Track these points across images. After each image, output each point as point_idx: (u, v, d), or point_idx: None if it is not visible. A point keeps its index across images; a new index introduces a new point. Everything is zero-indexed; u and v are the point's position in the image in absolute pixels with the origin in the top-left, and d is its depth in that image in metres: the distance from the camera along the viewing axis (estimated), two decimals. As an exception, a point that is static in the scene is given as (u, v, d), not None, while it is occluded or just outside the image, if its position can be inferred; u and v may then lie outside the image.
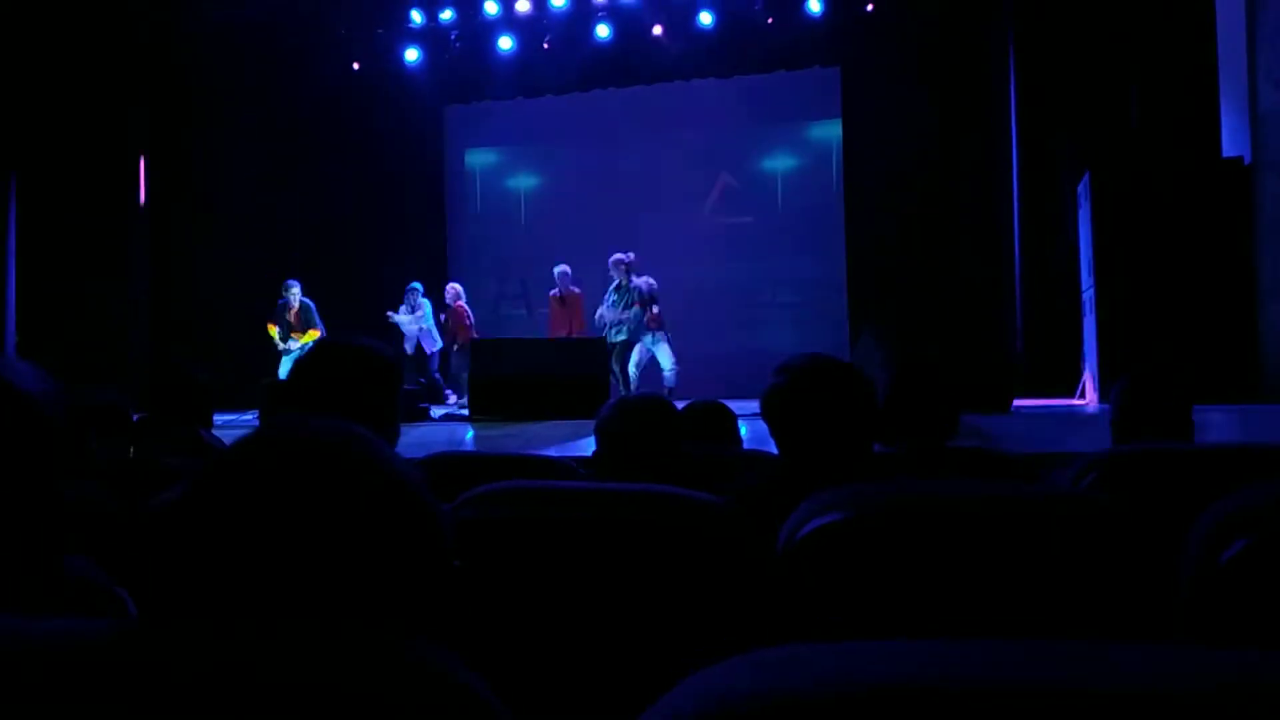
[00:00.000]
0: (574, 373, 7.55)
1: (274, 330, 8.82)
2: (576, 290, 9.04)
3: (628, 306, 8.35)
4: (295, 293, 8.82)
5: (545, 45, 10.87)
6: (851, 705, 0.45)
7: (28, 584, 0.92)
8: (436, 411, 8.44)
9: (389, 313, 9.23)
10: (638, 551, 1.34)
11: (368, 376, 1.56)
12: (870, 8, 10.19)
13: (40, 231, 9.40)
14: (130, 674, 0.57)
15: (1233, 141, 7.22)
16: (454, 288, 9.40)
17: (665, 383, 8.57)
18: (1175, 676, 0.46)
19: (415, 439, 6.06)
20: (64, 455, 0.97)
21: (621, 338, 8.39)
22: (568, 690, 1.32)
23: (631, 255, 8.50)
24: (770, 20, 10.46)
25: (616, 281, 8.43)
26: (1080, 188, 7.54)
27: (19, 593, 0.91)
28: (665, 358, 8.54)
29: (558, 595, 1.35)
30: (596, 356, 7.78)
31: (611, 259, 8.46)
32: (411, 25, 11.07)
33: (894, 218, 10.13)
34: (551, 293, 8.98)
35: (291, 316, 8.80)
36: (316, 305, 8.95)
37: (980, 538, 1.19)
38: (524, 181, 12.08)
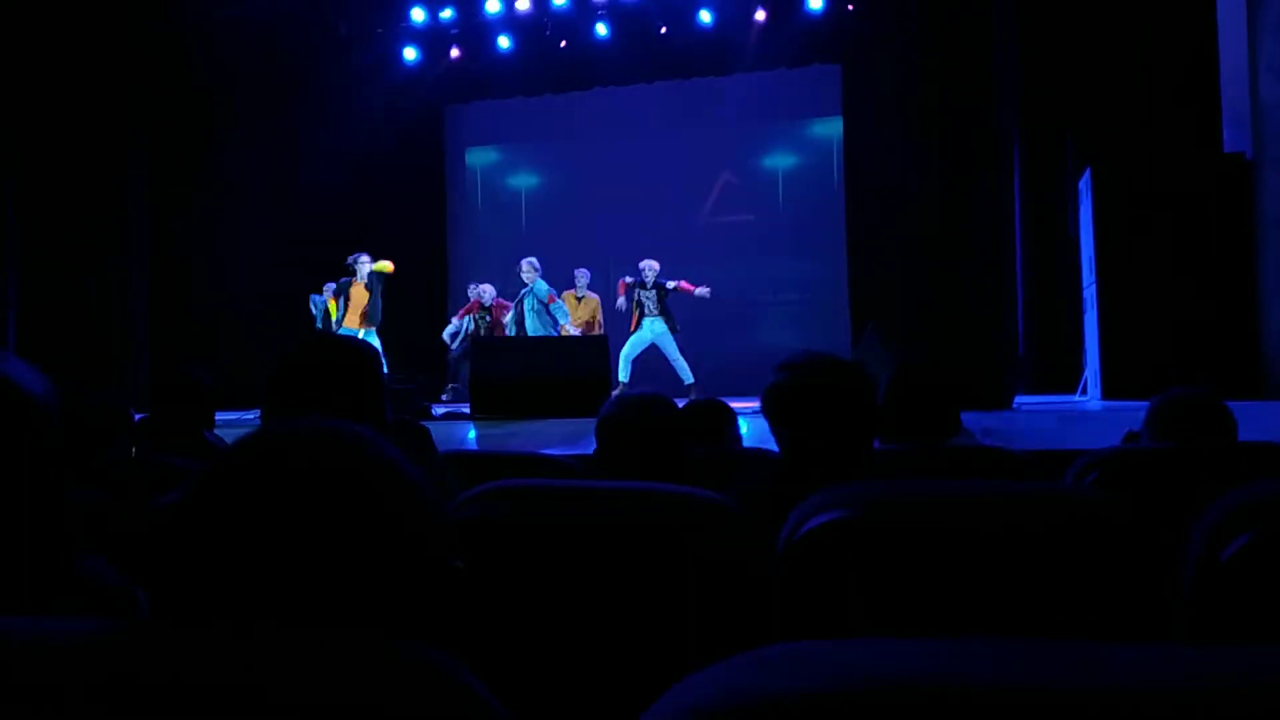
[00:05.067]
0: (576, 371, 7.55)
1: (333, 306, 8.47)
2: (594, 295, 9.36)
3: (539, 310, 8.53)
4: (365, 266, 8.39)
5: (556, 45, 10.87)
6: (850, 703, 0.45)
7: (41, 583, 0.93)
8: (438, 410, 8.45)
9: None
10: (638, 550, 1.34)
11: (357, 371, 1.57)
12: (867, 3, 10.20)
13: (41, 232, 9.41)
14: (128, 676, 0.58)
15: (1234, 137, 7.20)
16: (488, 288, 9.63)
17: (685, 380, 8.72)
18: (1177, 676, 0.46)
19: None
20: (66, 454, 0.97)
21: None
22: (568, 690, 1.32)
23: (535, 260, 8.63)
24: (770, 18, 10.45)
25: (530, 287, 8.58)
26: (1082, 183, 7.53)
27: (32, 592, 0.91)
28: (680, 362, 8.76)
29: (558, 594, 1.35)
30: (599, 355, 7.77)
31: (523, 261, 8.61)
32: (412, 24, 11.07)
33: (895, 215, 10.13)
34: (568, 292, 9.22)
35: (354, 292, 8.40)
36: (323, 302, 8.92)
37: (982, 536, 1.19)
38: (524, 180, 12.08)
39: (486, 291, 9.58)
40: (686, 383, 8.70)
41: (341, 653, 0.59)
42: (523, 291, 8.70)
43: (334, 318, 8.54)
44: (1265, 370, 6.60)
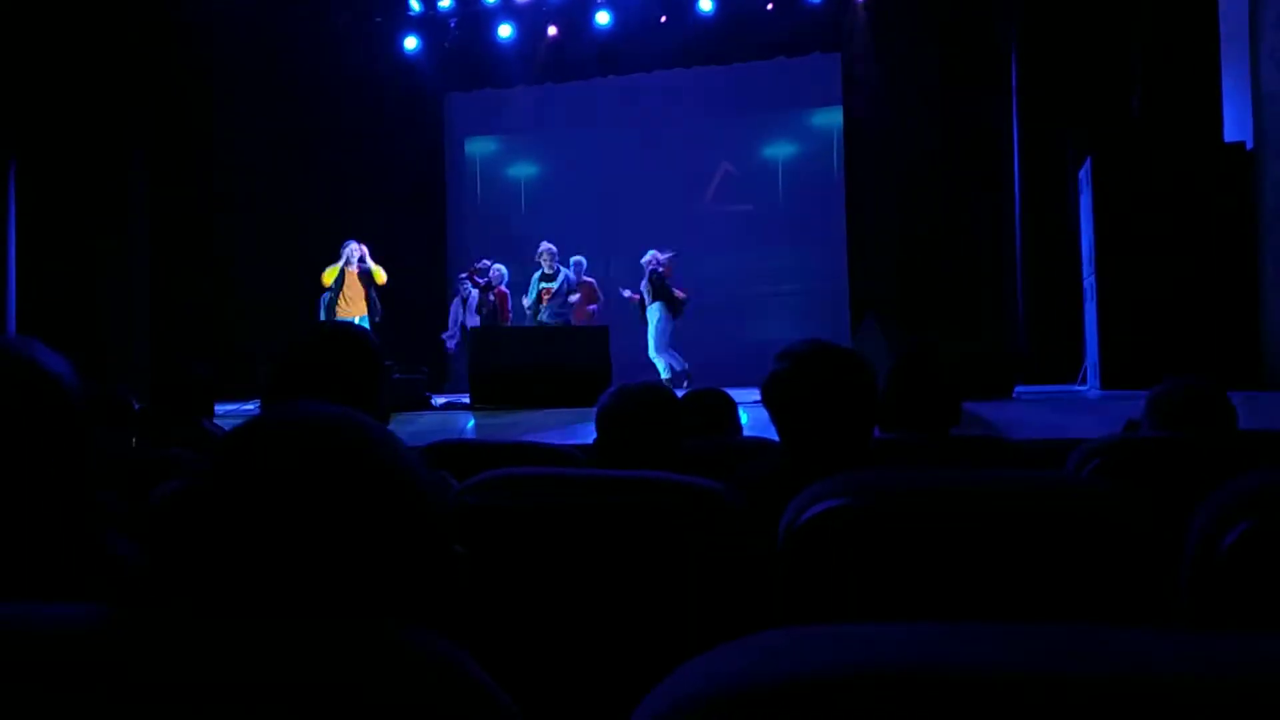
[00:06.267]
0: (576, 361, 7.56)
1: (330, 275, 8.43)
2: (590, 280, 9.36)
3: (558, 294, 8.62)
4: (355, 252, 8.42)
5: (551, 33, 10.84)
6: (849, 688, 0.45)
7: (72, 562, 0.94)
8: (438, 400, 8.45)
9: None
10: (639, 538, 1.34)
11: (356, 359, 1.57)
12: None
13: (40, 225, 9.38)
14: (129, 664, 0.58)
15: (1235, 127, 7.19)
16: (499, 269, 9.50)
17: (661, 373, 8.65)
18: (1175, 662, 0.46)
19: (418, 428, 6.06)
20: (92, 437, 0.99)
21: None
22: (570, 677, 1.33)
23: (553, 247, 8.73)
24: (770, 7, 10.42)
25: (542, 270, 8.64)
26: (1082, 174, 7.52)
27: (65, 571, 0.93)
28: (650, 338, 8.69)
29: (559, 582, 1.35)
30: (599, 345, 7.77)
31: (542, 247, 8.70)
32: (410, 13, 11.03)
33: (895, 205, 10.11)
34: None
35: (348, 280, 8.39)
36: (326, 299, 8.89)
37: (982, 525, 1.19)
38: (524, 169, 12.06)
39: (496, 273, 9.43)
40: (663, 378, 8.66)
41: (345, 641, 0.59)
42: (536, 275, 8.70)
43: (331, 287, 8.47)
44: (1265, 360, 6.61)
